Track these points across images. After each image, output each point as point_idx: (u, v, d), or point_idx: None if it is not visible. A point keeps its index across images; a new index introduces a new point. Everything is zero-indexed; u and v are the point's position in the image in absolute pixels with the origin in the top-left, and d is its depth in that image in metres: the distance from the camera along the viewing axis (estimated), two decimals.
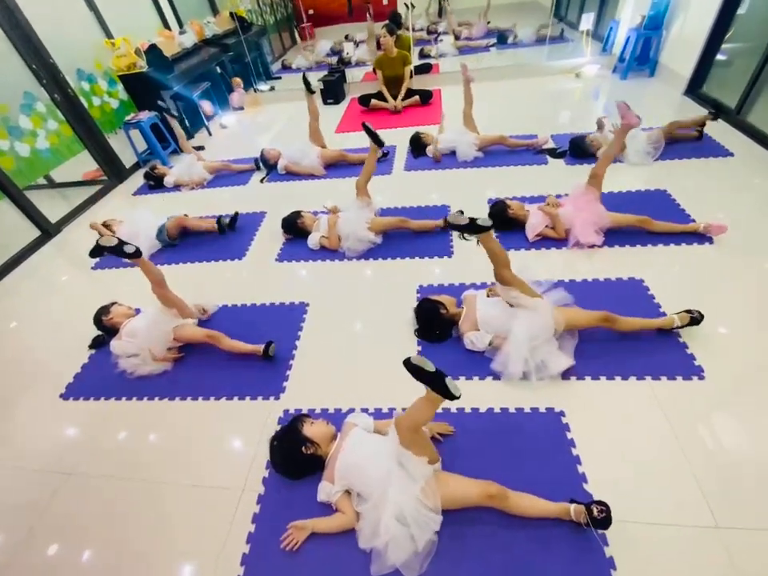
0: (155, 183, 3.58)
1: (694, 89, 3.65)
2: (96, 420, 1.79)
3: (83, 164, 3.79)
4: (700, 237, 2.18)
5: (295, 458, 1.33)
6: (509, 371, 1.61)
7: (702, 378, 1.57)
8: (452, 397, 1.06)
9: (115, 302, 2.14)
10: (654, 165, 2.85)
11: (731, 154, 2.83)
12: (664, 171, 2.79)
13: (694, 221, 2.26)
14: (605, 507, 1.12)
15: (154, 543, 1.37)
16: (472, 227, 1.45)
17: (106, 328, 2.07)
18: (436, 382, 1.07)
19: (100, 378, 1.95)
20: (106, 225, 2.87)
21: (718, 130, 3.09)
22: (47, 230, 3.20)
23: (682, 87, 3.74)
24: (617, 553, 1.18)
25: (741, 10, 3.22)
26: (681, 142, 2.98)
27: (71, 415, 1.83)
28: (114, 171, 3.83)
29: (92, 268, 2.77)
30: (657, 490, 1.30)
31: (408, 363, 1.11)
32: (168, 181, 3.50)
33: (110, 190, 3.76)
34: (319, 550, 1.27)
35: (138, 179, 3.85)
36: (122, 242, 1.69)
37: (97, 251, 2.81)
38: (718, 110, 2.99)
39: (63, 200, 3.69)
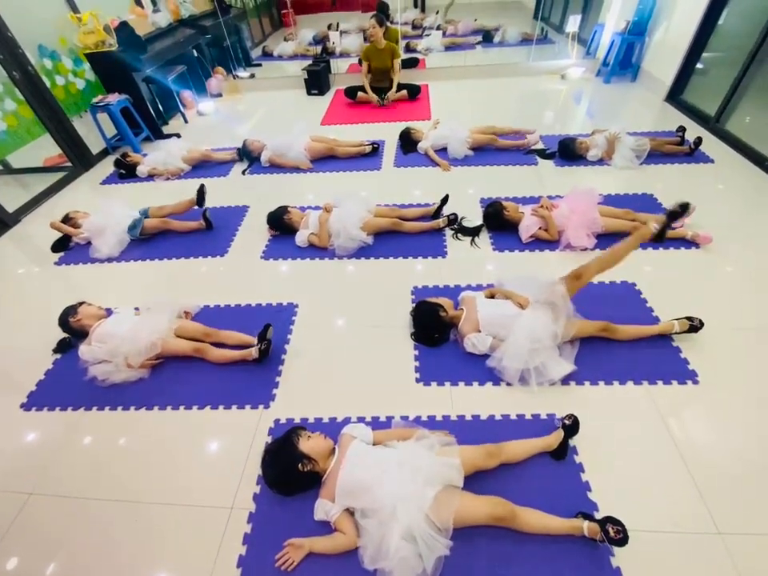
0: (126, 172, 3.33)
1: (675, 95, 3.74)
2: (63, 433, 1.62)
3: (45, 149, 3.48)
4: (687, 242, 2.23)
5: (291, 475, 1.24)
6: (503, 365, 1.59)
7: (696, 382, 1.58)
8: None
9: (84, 302, 1.95)
10: (640, 168, 2.90)
11: (711, 161, 2.92)
12: (649, 175, 2.84)
13: (681, 225, 2.31)
14: (620, 527, 1.10)
15: (132, 573, 1.24)
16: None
17: (73, 330, 1.89)
18: None
19: (67, 385, 1.77)
20: (69, 219, 2.63)
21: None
22: (4, 221, 2.91)
23: (663, 93, 3.83)
24: (623, 563, 1.16)
25: (719, 20, 3.32)
26: (671, 156, 2.96)
27: (34, 428, 1.65)
28: (79, 157, 3.54)
29: (55, 263, 2.54)
30: (659, 497, 1.30)
31: None
32: (141, 170, 3.27)
33: (74, 178, 3.48)
34: (316, 571, 1.19)
35: (106, 167, 3.57)
36: None
37: (59, 245, 2.60)
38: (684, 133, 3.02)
39: (22, 188, 3.38)
